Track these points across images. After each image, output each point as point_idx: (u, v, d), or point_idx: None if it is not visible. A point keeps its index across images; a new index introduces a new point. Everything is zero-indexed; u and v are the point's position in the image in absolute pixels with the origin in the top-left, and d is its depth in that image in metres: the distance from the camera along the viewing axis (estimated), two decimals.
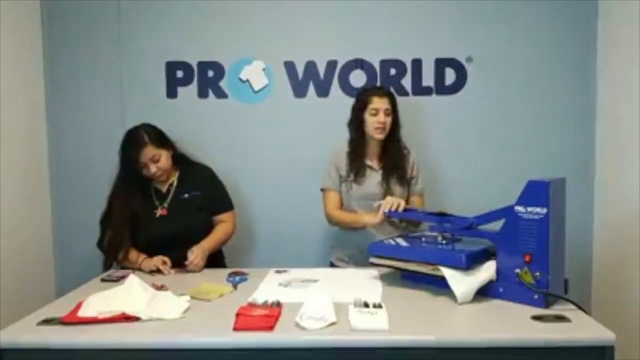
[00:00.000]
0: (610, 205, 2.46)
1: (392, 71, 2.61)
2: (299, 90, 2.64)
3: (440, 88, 2.62)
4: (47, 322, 1.43)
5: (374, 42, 2.61)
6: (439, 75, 2.61)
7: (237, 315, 1.42)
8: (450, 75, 2.61)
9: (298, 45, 2.62)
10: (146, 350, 1.34)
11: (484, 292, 1.55)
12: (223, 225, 2.23)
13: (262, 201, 2.67)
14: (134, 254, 2.08)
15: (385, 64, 2.61)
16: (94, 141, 2.66)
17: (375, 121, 2.18)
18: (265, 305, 1.48)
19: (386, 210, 1.97)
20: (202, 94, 2.65)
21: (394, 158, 2.24)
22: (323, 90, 2.63)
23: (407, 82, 2.62)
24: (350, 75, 2.62)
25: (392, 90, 2.40)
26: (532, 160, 2.58)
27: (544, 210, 1.46)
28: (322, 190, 2.28)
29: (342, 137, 2.30)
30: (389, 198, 2.02)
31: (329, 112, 2.58)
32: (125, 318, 1.43)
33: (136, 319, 1.43)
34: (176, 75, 2.65)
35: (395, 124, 2.25)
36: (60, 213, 2.70)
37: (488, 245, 1.65)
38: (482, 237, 1.67)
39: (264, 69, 2.63)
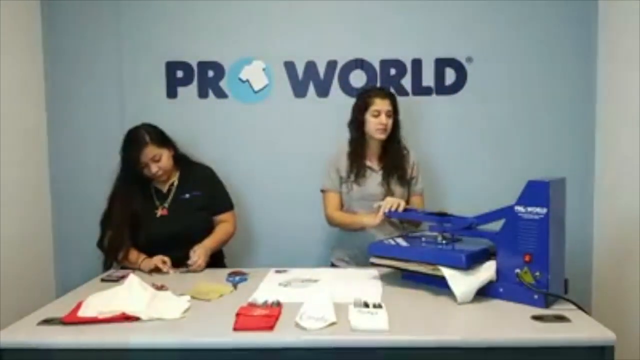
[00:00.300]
0: (610, 205, 2.46)
1: (392, 71, 2.61)
2: (299, 90, 2.64)
3: (440, 88, 2.61)
4: (47, 322, 1.44)
5: (374, 42, 2.61)
6: (439, 75, 2.61)
7: (237, 315, 1.42)
8: (450, 75, 2.61)
9: (298, 45, 2.62)
10: (146, 350, 1.34)
11: (484, 292, 1.56)
12: (224, 225, 2.24)
13: (262, 201, 2.67)
14: (134, 254, 2.08)
15: (385, 64, 2.61)
16: (94, 141, 2.66)
17: (377, 123, 2.18)
18: (265, 305, 1.48)
19: (386, 210, 1.97)
20: (202, 94, 2.65)
21: (394, 158, 2.24)
22: (323, 90, 2.63)
23: (407, 82, 2.61)
24: (350, 75, 2.62)
25: (392, 90, 2.40)
26: (532, 160, 2.58)
27: (544, 210, 1.46)
28: (322, 191, 2.28)
29: (342, 137, 2.30)
30: (388, 198, 2.03)
31: (329, 112, 2.58)
32: (125, 318, 1.43)
33: (136, 319, 1.43)
34: (176, 75, 2.65)
35: (396, 125, 2.25)
36: (60, 213, 2.69)
37: (488, 245, 1.66)
38: (482, 237, 1.67)
39: (264, 69, 2.63)
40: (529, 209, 1.49)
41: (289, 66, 2.63)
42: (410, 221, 2.20)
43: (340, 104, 2.48)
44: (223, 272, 1.95)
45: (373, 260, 1.77)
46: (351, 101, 2.33)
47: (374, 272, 1.90)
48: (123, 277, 1.79)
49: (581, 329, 1.34)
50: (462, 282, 1.54)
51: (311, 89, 2.64)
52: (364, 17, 2.60)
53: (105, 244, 2.11)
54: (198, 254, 2.02)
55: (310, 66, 2.62)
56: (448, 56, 2.60)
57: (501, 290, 1.55)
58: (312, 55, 2.62)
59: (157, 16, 2.63)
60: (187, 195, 2.17)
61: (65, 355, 1.34)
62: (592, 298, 2.56)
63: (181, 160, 2.23)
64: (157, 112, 2.54)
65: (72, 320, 1.43)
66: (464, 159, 2.64)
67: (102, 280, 1.92)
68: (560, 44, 2.57)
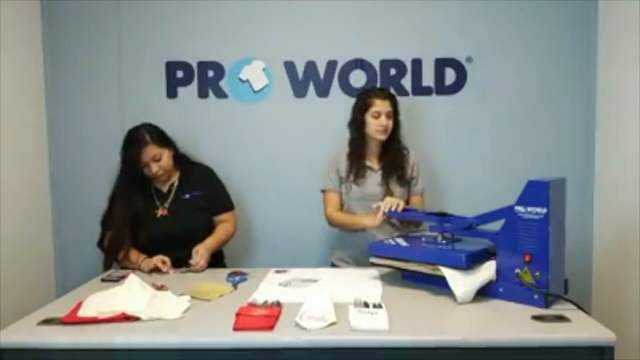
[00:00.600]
0: (610, 205, 2.45)
1: (392, 71, 2.61)
2: (299, 90, 2.64)
3: (440, 88, 2.61)
4: (47, 322, 1.44)
5: (374, 42, 2.61)
6: (439, 75, 2.61)
7: (237, 315, 1.42)
8: (450, 75, 2.61)
9: (298, 45, 2.62)
10: (146, 350, 1.34)
11: (484, 292, 1.56)
12: (224, 225, 2.24)
13: (262, 201, 2.67)
14: (134, 254, 2.08)
15: (385, 64, 2.61)
16: (94, 141, 2.65)
17: (377, 124, 2.18)
18: (265, 305, 1.48)
19: (386, 210, 1.97)
20: (202, 94, 2.65)
21: (393, 158, 2.24)
22: (323, 90, 2.63)
23: (407, 82, 2.61)
24: (350, 75, 2.62)
25: (392, 91, 2.40)
26: (532, 160, 2.58)
27: (544, 210, 1.46)
28: (322, 191, 2.28)
29: (342, 137, 2.30)
30: (387, 199, 2.03)
31: (329, 112, 2.58)
32: (125, 318, 1.43)
33: (136, 319, 1.43)
34: (176, 75, 2.65)
35: (396, 125, 2.25)
36: (60, 213, 2.69)
37: (488, 245, 1.66)
38: (482, 237, 1.67)
39: (264, 69, 2.63)
40: (529, 209, 1.49)
41: (289, 66, 2.63)
42: (411, 221, 2.20)
43: (340, 104, 2.48)
44: (223, 272, 1.95)
45: (373, 260, 1.77)
46: (351, 101, 2.33)
47: (374, 272, 1.90)
48: (123, 277, 1.79)
49: (581, 329, 1.34)
50: (462, 282, 1.54)
51: (311, 89, 2.64)
52: (364, 17, 2.60)
53: (106, 243, 2.12)
54: (201, 254, 2.02)
55: (310, 66, 2.62)
56: (448, 56, 2.60)
57: (501, 290, 1.55)
58: (312, 55, 2.62)
59: (157, 16, 2.63)
60: (187, 196, 2.17)
61: (65, 355, 1.34)
62: (592, 298, 2.56)
63: (181, 160, 2.23)
64: (157, 112, 2.54)
65: (72, 320, 1.43)
66: (464, 159, 2.64)
67: (102, 280, 1.92)
68: (560, 43, 2.57)
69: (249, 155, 2.66)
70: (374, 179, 2.22)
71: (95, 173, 2.57)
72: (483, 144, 2.63)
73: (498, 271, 1.57)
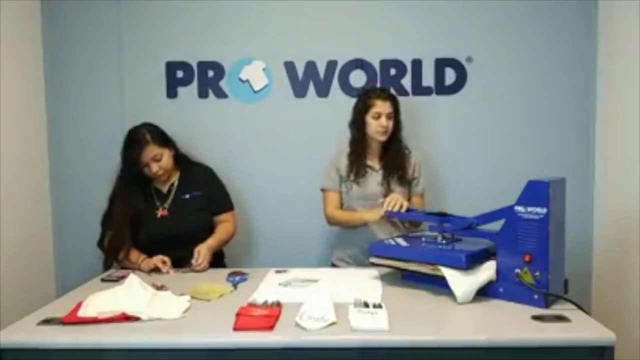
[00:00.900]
0: (610, 205, 2.45)
1: (392, 71, 2.61)
2: (299, 90, 2.64)
3: (440, 88, 2.61)
4: (47, 322, 1.44)
5: (374, 42, 2.61)
6: (439, 75, 2.61)
7: (237, 315, 1.42)
8: (450, 75, 2.61)
9: (298, 45, 2.62)
10: (146, 350, 1.34)
11: (484, 292, 1.56)
12: (224, 225, 2.24)
13: (262, 201, 2.67)
14: (134, 254, 2.08)
15: (385, 64, 2.61)
16: (94, 141, 2.65)
17: (378, 125, 2.18)
18: (265, 305, 1.48)
19: (389, 208, 1.97)
20: (202, 94, 2.65)
21: (394, 158, 2.24)
22: (323, 90, 2.63)
23: (407, 82, 2.61)
24: (350, 75, 2.62)
25: (392, 91, 2.40)
26: (532, 161, 2.58)
27: (544, 210, 1.46)
28: (322, 190, 2.29)
29: (342, 137, 2.30)
30: (393, 195, 2.03)
31: (329, 112, 2.58)
32: (125, 318, 1.43)
33: (136, 319, 1.43)
34: (176, 75, 2.65)
35: (397, 125, 2.24)
36: (60, 213, 2.69)
37: (488, 245, 1.66)
38: (482, 237, 1.67)
39: (264, 69, 2.63)
40: (529, 209, 1.49)
41: (289, 66, 2.63)
42: (411, 221, 2.20)
43: (340, 104, 2.48)
44: (223, 272, 1.95)
45: (373, 260, 1.78)
46: (351, 101, 2.33)
47: (374, 272, 1.90)
48: (123, 277, 1.79)
49: (581, 329, 1.34)
50: (462, 282, 1.54)
51: (311, 89, 2.64)
52: (364, 17, 2.60)
53: (106, 243, 2.11)
54: (203, 254, 2.02)
55: (310, 66, 2.62)
56: (448, 56, 2.60)
57: (501, 290, 1.55)
58: (312, 55, 2.62)
59: (157, 16, 2.63)
60: (187, 196, 2.18)
61: (65, 355, 1.34)
62: (592, 298, 2.56)
63: (181, 160, 2.23)
64: (157, 112, 2.53)
65: (72, 320, 1.43)
66: (464, 158, 2.63)
67: (102, 280, 1.92)
68: (560, 43, 2.57)
69: (248, 155, 2.66)
70: (374, 179, 2.22)
71: (95, 173, 2.57)
72: (483, 144, 2.63)
73: (498, 271, 1.57)
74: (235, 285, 1.78)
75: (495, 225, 1.60)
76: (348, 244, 2.24)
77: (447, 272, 1.56)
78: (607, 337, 1.29)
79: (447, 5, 2.58)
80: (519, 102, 2.61)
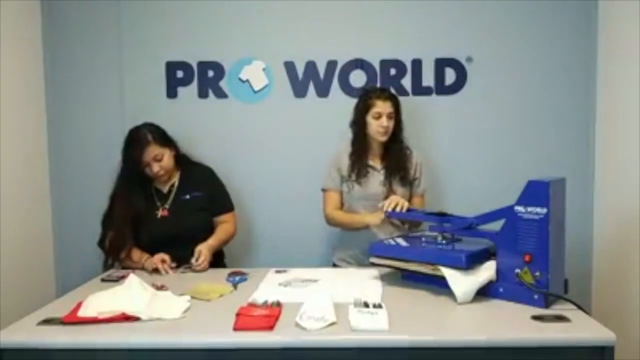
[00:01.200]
0: (610, 205, 2.45)
1: (392, 71, 2.61)
2: (299, 90, 2.64)
3: (440, 88, 2.61)
4: (47, 322, 1.44)
5: (374, 42, 2.61)
6: (439, 75, 2.61)
7: (237, 315, 1.42)
8: (450, 75, 2.61)
9: (298, 45, 2.62)
10: (146, 350, 1.34)
11: (484, 292, 1.56)
12: (225, 225, 2.24)
13: (262, 201, 2.67)
14: (136, 254, 2.08)
15: (385, 64, 2.61)
16: (94, 141, 2.65)
17: (378, 125, 2.18)
18: (265, 305, 1.48)
19: (389, 208, 1.97)
20: (202, 94, 2.65)
21: (396, 158, 2.24)
22: (323, 90, 2.63)
23: (407, 82, 2.61)
24: (350, 75, 2.62)
25: (392, 91, 2.40)
26: (531, 161, 2.58)
27: (544, 210, 1.46)
28: (323, 190, 2.28)
29: (342, 137, 2.30)
30: (392, 197, 2.03)
31: (329, 112, 2.58)
32: (125, 318, 1.43)
33: (136, 319, 1.43)
34: (176, 75, 2.65)
35: (398, 126, 2.24)
36: (60, 213, 2.69)
37: (488, 245, 1.66)
38: (482, 237, 1.67)
39: (264, 69, 2.63)
40: (529, 209, 1.49)
41: (289, 66, 2.63)
42: (411, 221, 2.20)
43: (340, 104, 2.49)
44: (223, 272, 1.96)
45: (373, 260, 1.78)
46: (351, 101, 2.33)
47: (374, 272, 1.90)
48: (123, 277, 1.79)
49: (581, 329, 1.34)
50: (462, 282, 1.54)
51: (311, 89, 2.64)
52: (364, 17, 2.60)
53: (107, 243, 2.11)
54: (204, 255, 2.02)
55: (310, 66, 2.62)
56: (448, 56, 2.60)
57: (501, 290, 1.55)
58: (312, 55, 2.62)
59: (157, 16, 2.63)
60: (188, 196, 2.17)
61: (65, 355, 1.34)
62: (592, 298, 2.56)
63: (182, 161, 2.23)
64: (157, 112, 2.53)
65: (72, 320, 1.43)
66: (464, 158, 2.63)
67: (102, 280, 1.92)
68: (560, 43, 2.57)
69: (248, 155, 2.66)
70: (376, 179, 2.22)
71: (95, 173, 2.57)
72: (483, 144, 2.63)
73: (498, 271, 1.57)
74: (235, 285, 1.78)
75: (495, 225, 1.60)
76: (349, 245, 2.24)
77: (447, 272, 1.56)
78: (607, 337, 1.29)
79: (447, 5, 2.58)
80: (519, 102, 2.61)
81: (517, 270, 1.51)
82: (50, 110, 2.67)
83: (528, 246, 1.49)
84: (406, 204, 2.00)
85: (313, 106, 2.63)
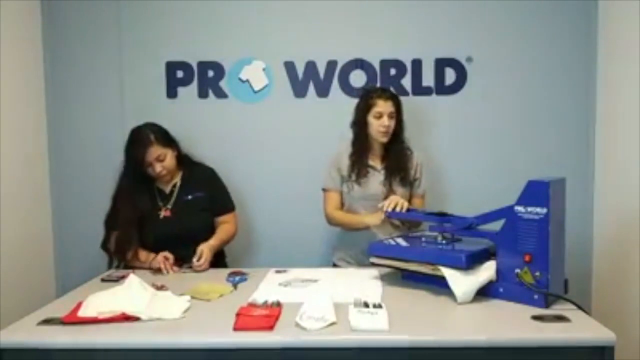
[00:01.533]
0: (610, 205, 2.45)
1: (392, 71, 2.61)
2: (299, 90, 2.64)
3: (440, 88, 2.61)
4: (47, 322, 1.44)
5: (374, 42, 2.61)
6: (439, 75, 2.61)
7: (237, 315, 1.42)
8: (450, 75, 2.61)
9: (298, 45, 2.62)
10: (146, 350, 1.34)
11: (484, 292, 1.56)
12: (225, 226, 2.24)
13: (262, 201, 2.67)
14: (143, 254, 2.08)
15: (385, 64, 2.61)
16: (95, 141, 2.65)
17: (379, 124, 2.18)
18: (265, 305, 1.48)
19: (389, 208, 1.97)
20: (202, 94, 2.65)
21: (397, 159, 2.24)
22: (323, 90, 2.63)
23: (407, 82, 2.61)
24: (350, 75, 2.62)
25: (393, 91, 2.40)
26: (532, 161, 2.58)
27: (544, 210, 1.46)
28: (323, 190, 2.28)
29: (342, 137, 2.30)
30: (392, 197, 2.03)
31: (329, 112, 2.58)
32: (125, 318, 1.43)
33: (136, 319, 1.43)
34: (176, 75, 2.65)
35: (399, 126, 2.24)
36: (60, 213, 2.69)
37: (488, 245, 1.65)
38: (482, 237, 1.67)
39: (264, 69, 2.63)
40: (529, 209, 1.49)
41: (289, 66, 2.63)
42: (411, 221, 2.20)
43: (340, 104, 2.49)
44: (223, 272, 1.96)
45: (373, 260, 1.77)
46: (351, 101, 2.33)
47: (374, 272, 1.90)
48: (123, 277, 1.79)
49: (581, 329, 1.34)
50: (462, 282, 1.54)
51: (311, 89, 2.64)
52: (364, 17, 2.60)
53: (113, 244, 2.10)
54: (205, 256, 2.02)
55: (310, 66, 2.62)
56: (448, 56, 2.60)
57: (501, 290, 1.55)
58: (312, 55, 2.62)
59: (157, 16, 2.63)
60: (190, 197, 2.17)
61: (65, 355, 1.34)
62: (592, 298, 2.56)
63: (184, 161, 2.23)
64: (157, 112, 2.53)
65: (72, 320, 1.43)
66: (464, 159, 2.64)
67: (102, 280, 1.92)
68: (560, 43, 2.57)
69: (249, 155, 2.66)
70: (376, 179, 2.22)
71: (95, 173, 2.57)
72: (483, 144, 2.63)
73: (498, 271, 1.57)
74: (235, 285, 1.78)
75: (495, 225, 1.60)
76: (349, 245, 2.24)
77: (447, 272, 1.56)
78: (607, 337, 1.29)
79: (447, 5, 2.58)
80: (519, 102, 2.61)
81: (517, 270, 1.51)
82: (50, 110, 2.67)
83: (528, 246, 1.49)
84: (406, 204, 2.00)
85: (313, 106, 2.63)
